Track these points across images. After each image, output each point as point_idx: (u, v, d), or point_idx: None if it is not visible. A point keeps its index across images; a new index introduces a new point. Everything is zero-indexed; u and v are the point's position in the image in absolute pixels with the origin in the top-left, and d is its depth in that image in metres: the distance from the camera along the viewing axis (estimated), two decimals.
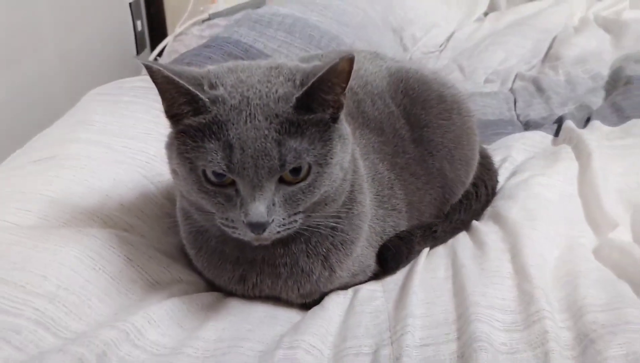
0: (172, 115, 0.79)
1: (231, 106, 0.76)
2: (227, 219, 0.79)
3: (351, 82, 1.06)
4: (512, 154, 1.36)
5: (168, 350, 0.78)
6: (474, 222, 1.11)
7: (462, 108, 1.15)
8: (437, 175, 1.10)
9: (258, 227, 0.76)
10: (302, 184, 0.78)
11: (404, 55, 2.16)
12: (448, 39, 2.35)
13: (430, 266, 0.99)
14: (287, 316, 0.90)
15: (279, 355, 0.76)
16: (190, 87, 0.75)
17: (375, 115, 1.06)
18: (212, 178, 0.77)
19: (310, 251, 0.89)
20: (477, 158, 1.18)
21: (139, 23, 2.46)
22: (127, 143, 1.10)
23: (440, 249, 1.05)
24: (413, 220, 1.06)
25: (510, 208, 1.08)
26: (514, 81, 1.99)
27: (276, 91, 0.77)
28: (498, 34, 2.31)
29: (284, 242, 0.86)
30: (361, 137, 1.02)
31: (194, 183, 0.78)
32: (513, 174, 1.28)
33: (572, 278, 0.89)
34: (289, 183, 0.78)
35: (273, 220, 0.77)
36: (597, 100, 1.72)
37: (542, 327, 0.78)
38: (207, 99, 0.76)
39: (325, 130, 0.79)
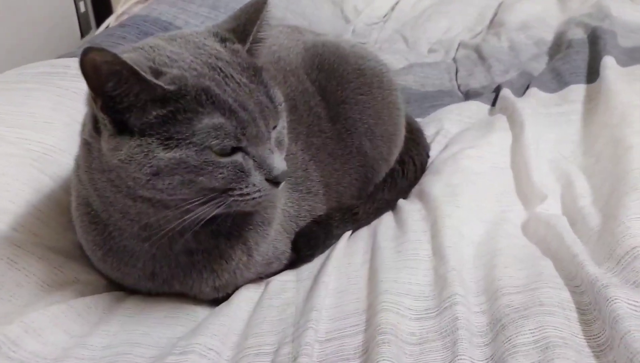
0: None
1: (199, 74, 0.72)
2: (247, 187, 0.74)
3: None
4: (446, 126, 1.29)
5: (49, 361, 0.72)
6: (400, 201, 1.05)
7: (384, 81, 1.09)
8: (356, 154, 1.04)
9: (285, 174, 0.77)
10: (278, 127, 0.79)
11: (346, 27, 2.08)
12: (392, 9, 2.27)
13: (349, 250, 0.93)
14: (190, 315, 0.85)
15: (168, 361, 0.70)
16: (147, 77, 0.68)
17: (287, 92, 0.99)
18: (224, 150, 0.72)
19: (231, 232, 0.84)
20: (401, 133, 1.12)
21: (81, 4, 2.35)
22: (22, 134, 1.01)
23: (364, 231, 1.00)
24: (332, 203, 1.00)
25: (434, 184, 1.02)
26: (457, 50, 1.92)
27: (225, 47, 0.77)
28: (442, 3, 2.23)
29: (205, 225, 0.78)
30: None
31: (204, 166, 0.71)
32: (445, 147, 1.21)
33: (491, 257, 0.84)
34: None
35: None
36: (540, 66, 1.65)
37: (453, 314, 0.73)
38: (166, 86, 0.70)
39: None
